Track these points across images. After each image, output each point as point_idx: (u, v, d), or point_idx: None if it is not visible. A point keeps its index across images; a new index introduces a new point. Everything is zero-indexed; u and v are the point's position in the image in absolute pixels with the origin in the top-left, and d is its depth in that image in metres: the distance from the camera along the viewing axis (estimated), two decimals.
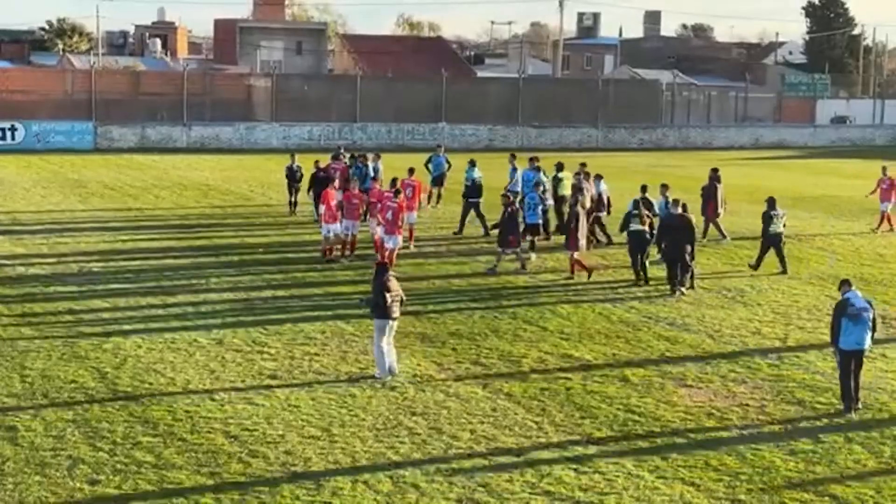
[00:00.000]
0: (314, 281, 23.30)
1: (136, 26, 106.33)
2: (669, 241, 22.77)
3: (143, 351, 17.55)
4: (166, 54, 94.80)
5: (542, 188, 27.41)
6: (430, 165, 34.23)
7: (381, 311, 16.14)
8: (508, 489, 12.49)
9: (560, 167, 30.21)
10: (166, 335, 18.51)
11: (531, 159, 30.32)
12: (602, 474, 12.98)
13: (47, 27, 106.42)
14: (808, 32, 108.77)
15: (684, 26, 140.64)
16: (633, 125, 65.79)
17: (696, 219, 26.00)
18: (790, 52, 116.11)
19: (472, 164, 30.62)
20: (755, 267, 25.29)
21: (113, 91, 57.69)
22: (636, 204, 23.97)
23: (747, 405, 15.64)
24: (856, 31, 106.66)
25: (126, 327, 18.95)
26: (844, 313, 15.43)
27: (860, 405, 15.59)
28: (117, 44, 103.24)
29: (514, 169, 31.77)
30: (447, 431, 14.26)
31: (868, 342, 15.54)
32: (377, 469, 12.92)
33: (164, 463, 12.94)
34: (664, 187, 25.87)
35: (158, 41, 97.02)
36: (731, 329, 20.10)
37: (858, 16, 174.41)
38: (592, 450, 13.74)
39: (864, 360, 15.81)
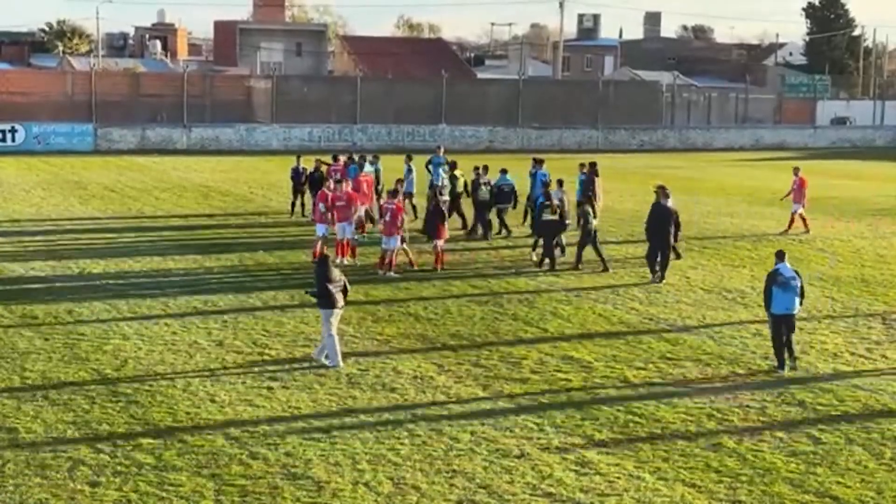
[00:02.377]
0: (315, 283, 23.22)
1: (136, 28, 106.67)
2: (658, 231, 23.65)
3: (143, 353, 17.54)
4: (166, 56, 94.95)
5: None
6: (430, 167, 34.24)
7: (324, 301, 16.94)
8: (509, 490, 12.48)
9: (454, 166, 30.61)
10: (167, 337, 18.50)
11: (535, 160, 30.40)
12: (603, 476, 12.96)
13: (47, 29, 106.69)
14: (808, 33, 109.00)
15: (684, 27, 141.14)
16: (633, 126, 65.83)
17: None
18: (790, 54, 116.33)
19: (503, 170, 30.13)
20: (575, 266, 25.25)
21: (113, 93, 57.87)
22: (546, 195, 25.60)
23: (748, 406, 15.63)
24: (856, 33, 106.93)
25: (126, 329, 18.95)
26: (775, 282, 17.03)
27: (795, 364, 17.32)
28: (117, 45, 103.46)
29: (410, 170, 31.93)
30: (447, 433, 14.24)
31: (797, 307, 17.21)
32: (378, 470, 12.92)
33: (165, 465, 12.93)
34: (559, 182, 27.09)
35: (158, 43, 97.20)
36: (731, 330, 20.08)
37: (858, 17, 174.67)
38: (593, 451, 13.73)
39: (795, 323, 17.40)
